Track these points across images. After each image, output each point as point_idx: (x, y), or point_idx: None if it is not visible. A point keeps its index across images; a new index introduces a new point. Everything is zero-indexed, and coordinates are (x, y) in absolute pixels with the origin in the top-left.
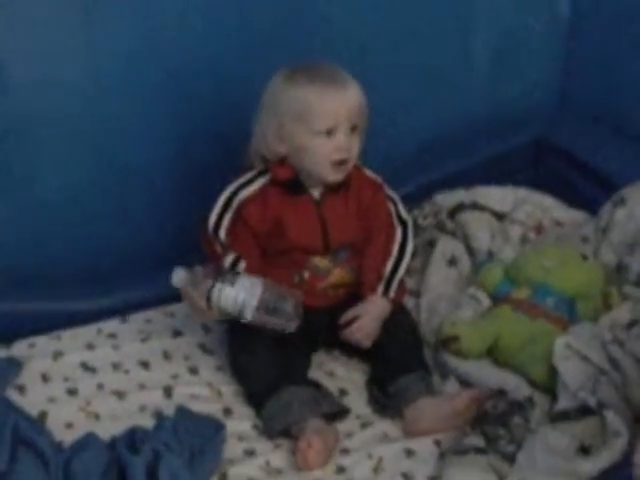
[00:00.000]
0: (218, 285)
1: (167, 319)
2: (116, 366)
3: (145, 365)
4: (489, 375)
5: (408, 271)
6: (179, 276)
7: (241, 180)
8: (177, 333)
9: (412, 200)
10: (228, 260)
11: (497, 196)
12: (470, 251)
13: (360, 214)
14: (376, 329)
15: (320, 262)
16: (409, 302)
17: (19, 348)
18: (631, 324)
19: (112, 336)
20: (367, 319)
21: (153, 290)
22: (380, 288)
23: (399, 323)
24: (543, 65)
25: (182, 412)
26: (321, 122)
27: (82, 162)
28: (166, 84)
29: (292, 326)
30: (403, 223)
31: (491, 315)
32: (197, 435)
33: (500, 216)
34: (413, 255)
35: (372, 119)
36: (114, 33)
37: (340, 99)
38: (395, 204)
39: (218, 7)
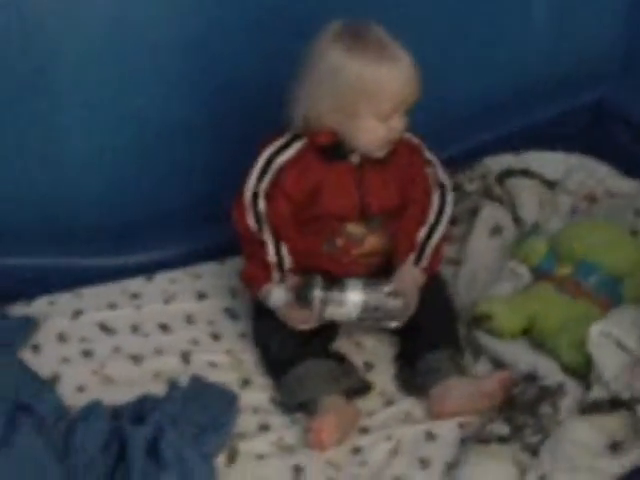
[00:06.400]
0: (330, 306)
1: (193, 280)
2: (135, 328)
3: (165, 328)
4: (522, 357)
5: (448, 238)
6: (280, 295)
7: (277, 144)
8: (202, 296)
9: (459, 163)
10: (270, 245)
11: (548, 162)
12: (516, 220)
13: (398, 179)
14: (413, 299)
15: (355, 228)
16: (448, 270)
17: (39, 304)
18: None
19: (135, 296)
20: (404, 290)
21: (180, 249)
22: (412, 257)
23: (434, 296)
24: (606, 21)
25: (195, 382)
26: (387, 105)
27: (106, 115)
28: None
29: (395, 323)
30: (442, 187)
31: (530, 293)
32: (208, 407)
33: (550, 184)
34: (454, 221)
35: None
36: None
37: (407, 83)
38: (434, 167)
39: None
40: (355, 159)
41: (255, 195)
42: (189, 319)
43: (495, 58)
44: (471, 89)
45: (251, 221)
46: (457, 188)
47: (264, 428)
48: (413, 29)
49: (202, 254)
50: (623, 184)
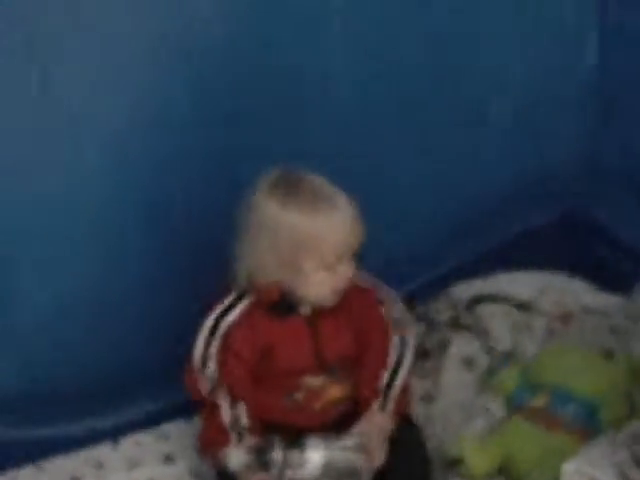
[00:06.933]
0: (290, 468)
1: (159, 442)
2: None
3: None
4: None
5: (414, 375)
6: (239, 459)
7: (223, 305)
8: (169, 458)
9: (428, 293)
10: (225, 408)
11: (519, 284)
12: (489, 349)
13: (353, 324)
14: (381, 449)
15: (314, 381)
16: (421, 409)
17: None
18: None
19: (99, 465)
20: (371, 440)
21: (146, 409)
22: (377, 403)
23: (405, 442)
24: (570, 130)
25: None
26: (329, 255)
27: (60, 273)
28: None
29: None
30: (401, 326)
31: (503, 430)
32: None
33: (523, 306)
34: (426, 356)
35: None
36: None
37: (347, 231)
38: (391, 306)
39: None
40: (305, 310)
41: (205, 359)
42: None
43: (454, 182)
44: (432, 217)
45: (203, 385)
46: (426, 320)
47: None
48: (373, 155)
49: (169, 412)
50: (599, 299)
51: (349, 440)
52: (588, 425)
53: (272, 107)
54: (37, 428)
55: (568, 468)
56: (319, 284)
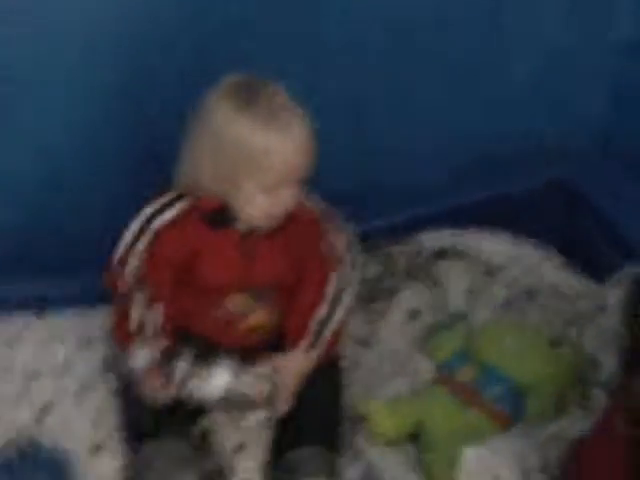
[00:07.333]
0: (192, 381)
1: (81, 323)
2: (5, 371)
3: (35, 375)
4: (391, 469)
5: (356, 317)
6: (143, 359)
7: (158, 204)
8: (87, 341)
9: (398, 234)
10: (139, 307)
11: (491, 245)
12: (439, 306)
13: (291, 252)
14: (295, 388)
15: (239, 301)
16: (353, 352)
17: None
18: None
19: (17, 334)
20: (284, 379)
21: (77, 289)
22: (305, 342)
23: (323, 385)
24: (588, 99)
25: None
26: (272, 176)
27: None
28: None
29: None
30: (344, 262)
31: (421, 396)
32: None
33: (488, 270)
34: (374, 298)
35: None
36: None
37: (298, 152)
38: (335, 240)
39: None
40: (242, 226)
41: (128, 253)
42: (65, 366)
43: (465, 121)
44: (436, 156)
45: (122, 280)
46: (385, 262)
47: None
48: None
49: (100, 296)
50: (572, 281)
51: (259, 368)
52: (511, 410)
53: None
54: None
55: (470, 453)
56: (257, 206)
